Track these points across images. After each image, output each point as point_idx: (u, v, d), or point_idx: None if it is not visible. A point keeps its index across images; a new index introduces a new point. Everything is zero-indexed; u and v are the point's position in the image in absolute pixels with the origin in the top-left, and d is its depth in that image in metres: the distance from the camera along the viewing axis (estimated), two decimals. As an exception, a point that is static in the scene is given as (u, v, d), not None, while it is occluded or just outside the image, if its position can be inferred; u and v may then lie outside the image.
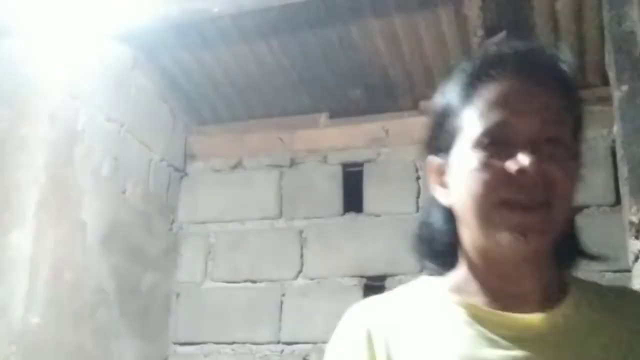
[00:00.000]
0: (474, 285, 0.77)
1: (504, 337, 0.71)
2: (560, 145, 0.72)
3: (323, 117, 2.70)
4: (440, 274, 0.82)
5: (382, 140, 2.56)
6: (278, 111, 2.74)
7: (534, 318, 0.72)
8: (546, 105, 0.73)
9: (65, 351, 2.00)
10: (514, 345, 0.70)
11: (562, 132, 0.73)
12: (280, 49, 2.47)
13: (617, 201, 2.16)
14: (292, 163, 2.69)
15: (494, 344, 0.71)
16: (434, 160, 0.81)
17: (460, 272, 0.79)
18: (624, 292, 0.82)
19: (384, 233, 2.43)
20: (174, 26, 2.32)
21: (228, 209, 2.69)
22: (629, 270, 1.64)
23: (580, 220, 0.83)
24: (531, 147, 0.70)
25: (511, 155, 0.70)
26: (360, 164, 2.59)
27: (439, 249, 0.82)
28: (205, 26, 2.37)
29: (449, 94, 0.79)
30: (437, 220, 0.82)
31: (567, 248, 0.78)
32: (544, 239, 0.70)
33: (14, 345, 1.82)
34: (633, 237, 1.56)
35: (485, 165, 0.71)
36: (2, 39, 2.07)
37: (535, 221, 0.69)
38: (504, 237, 0.70)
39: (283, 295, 2.51)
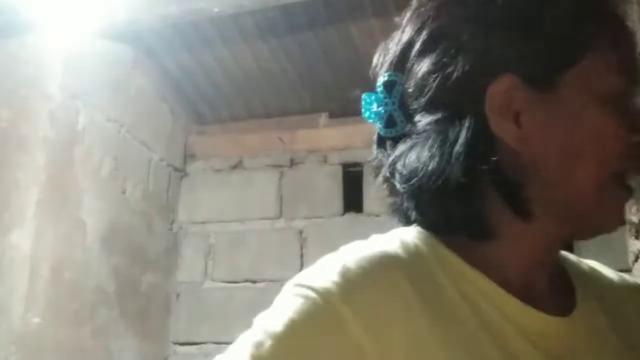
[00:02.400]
0: (505, 268, 0.59)
1: (532, 341, 0.57)
2: None
3: (323, 117, 2.70)
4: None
5: (382, 140, 2.55)
6: (278, 111, 2.74)
7: (563, 322, 0.59)
8: None
9: (65, 351, 2.00)
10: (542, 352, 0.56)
11: None
12: (280, 49, 2.47)
13: (617, 201, 2.15)
14: (292, 163, 2.69)
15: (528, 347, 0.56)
16: (515, 83, 0.57)
17: (496, 246, 0.59)
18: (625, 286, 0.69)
19: (383, 233, 2.42)
20: (174, 26, 2.32)
21: (228, 209, 2.69)
22: (629, 270, 1.64)
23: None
24: None
25: (629, 118, 0.57)
26: (360, 164, 2.59)
27: (472, 204, 0.58)
28: (205, 26, 2.37)
29: None
30: (490, 164, 0.56)
31: None
32: None
33: (14, 345, 1.82)
34: (633, 237, 1.56)
35: (619, 131, 0.56)
36: (2, 39, 2.07)
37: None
38: (611, 219, 0.58)
39: (283, 295, 2.51)
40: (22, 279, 1.87)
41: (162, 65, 2.58)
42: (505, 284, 0.58)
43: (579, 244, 1.91)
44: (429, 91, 0.59)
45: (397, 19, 0.65)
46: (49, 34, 2.08)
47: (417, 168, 0.58)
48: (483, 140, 0.56)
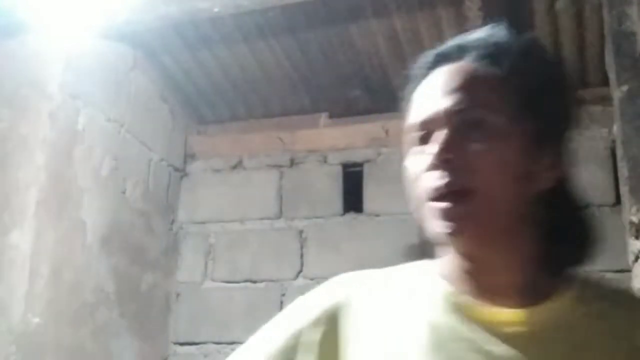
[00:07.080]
0: (458, 274, 0.72)
1: (480, 330, 0.67)
2: (486, 128, 0.67)
3: (323, 117, 2.70)
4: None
5: (382, 140, 2.56)
6: (278, 111, 2.74)
7: (509, 313, 0.67)
8: (467, 87, 0.69)
9: (65, 351, 2.00)
10: (488, 339, 0.66)
11: (486, 114, 0.67)
12: (280, 49, 2.47)
13: (617, 201, 2.16)
14: (292, 163, 2.69)
15: (469, 334, 0.67)
16: None
17: (449, 260, 0.73)
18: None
19: (384, 233, 2.42)
20: (174, 26, 2.32)
21: (228, 209, 2.69)
22: (629, 270, 1.64)
23: (580, 220, 0.82)
24: (450, 133, 0.68)
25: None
26: (360, 164, 2.59)
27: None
28: (205, 26, 2.37)
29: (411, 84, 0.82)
30: None
31: (566, 247, 0.73)
32: (479, 229, 0.66)
33: (14, 345, 1.82)
34: (633, 237, 1.56)
35: (415, 158, 0.74)
36: (3, 39, 2.08)
37: (459, 211, 0.65)
38: (436, 227, 0.67)
39: (283, 295, 2.51)
40: (22, 279, 1.88)
41: (162, 65, 2.58)
42: (471, 289, 0.71)
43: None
44: None
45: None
46: (49, 34, 2.08)
47: None
48: None
